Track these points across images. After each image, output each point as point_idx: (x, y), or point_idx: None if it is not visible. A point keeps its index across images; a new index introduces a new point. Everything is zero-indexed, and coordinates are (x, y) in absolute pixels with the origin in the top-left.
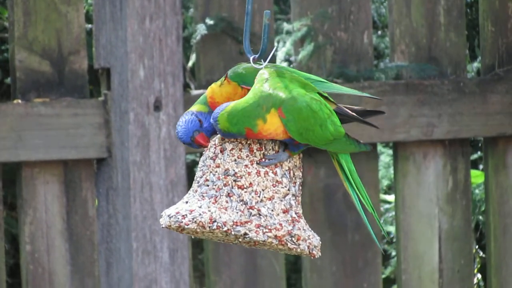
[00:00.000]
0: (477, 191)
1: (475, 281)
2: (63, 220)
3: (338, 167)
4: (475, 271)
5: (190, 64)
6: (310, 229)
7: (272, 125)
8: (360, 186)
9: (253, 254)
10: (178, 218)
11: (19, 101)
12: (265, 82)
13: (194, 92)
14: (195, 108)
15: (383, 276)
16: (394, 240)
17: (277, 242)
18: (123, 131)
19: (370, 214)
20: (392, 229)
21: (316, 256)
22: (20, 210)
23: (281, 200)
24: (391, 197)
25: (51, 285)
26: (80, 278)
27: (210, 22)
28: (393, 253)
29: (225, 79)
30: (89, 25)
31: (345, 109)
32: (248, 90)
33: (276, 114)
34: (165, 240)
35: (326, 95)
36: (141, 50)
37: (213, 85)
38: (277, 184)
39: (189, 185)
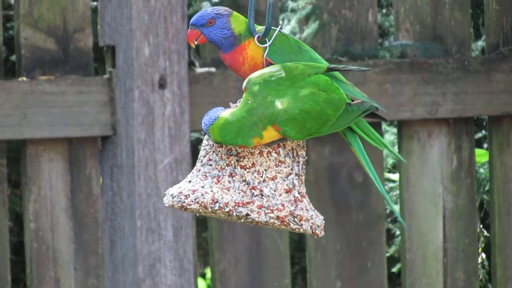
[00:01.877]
0: (481, 170)
1: (479, 260)
2: (67, 198)
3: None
4: (479, 250)
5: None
6: (313, 208)
7: (269, 138)
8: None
9: (257, 232)
10: (181, 198)
11: (24, 78)
12: (257, 96)
13: (199, 70)
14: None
15: (387, 255)
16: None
17: (279, 223)
18: (128, 109)
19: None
20: (396, 208)
21: (320, 236)
22: (24, 188)
23: (284, 180)
24: (395, 176)
25: (55, 263)
26: (84, 256)
27: None
28: (397, 232)
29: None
30: (94, 3)
31: (337, 66)
32: (269, 62)
33: (273, 129)
34: (169, 218)
35: (324, 61)
36: (146, 28)
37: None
38: (280, 164)
39: (194, 162)
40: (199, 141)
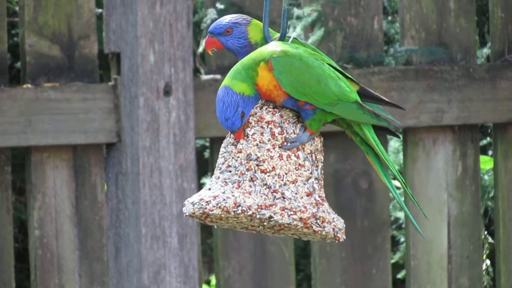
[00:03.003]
0: (486, 177)
1: (484, 267)
2: (72, 205)
3: (361, 144)
4: (484, 257)
5: (200, 49)
6: (334, 212)
7: (264, 79)
8: (388, 160)
9: (262, 239)
10: (202, 205)
11: (29, 85)
12: (272, 43)
13: (204, 77)
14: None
15: (392, 261)
16: (403, 226)
17: (302, 225)
18: (133, 116)
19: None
20: (401, 214)
21: (341, 240)
22: (29, 195)
23: (304, 183)
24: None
25: (60, 270)
26: (89, 263)
27: (220, 6)
28: (402, 239)
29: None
30: (100, 10)
31: (369, 90)
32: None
33: (266, 67)
34: (174, 225)
35: (348, 75)
36: (151, 35)
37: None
38: (299, 167)
39: (199, 170)
40: (204, 148)
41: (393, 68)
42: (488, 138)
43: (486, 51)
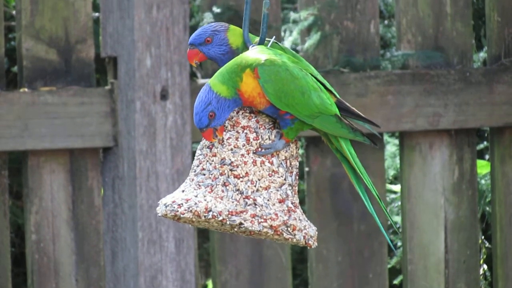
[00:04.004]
0: (483, 181)
1: (481, 271)
2: (69, 209)
3: (336, 152)
4: (481, 261)
5: None
6: (306, 219)
7: (248, 85)
8: (363, 172)
9: (259, 244)
10: (174, 207)
11: (26, 89)
12: (255, 48)
13: (201, 81)
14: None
15: (389, 266)
16: (400, 230)
17: (272, 232)
18: (130, 120)
19: (376, 203)
20: (398, 219)
21: (313, 246)
22: (25, 199)
23: (277, 190)
24: (397, 187)
25: (56, 275)
26: (86, 267)
27: (217, 10)
28: (399, 243)
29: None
30: (96, 14)
31: (346, 103)
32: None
33: (251, 74)
34: (171, 229)
35: (328, 85)
36: (148, 39)
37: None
38: (273, 173)
39: None
40: None
41: (389, 72)
42: (485, 142)
43: (482, 55)
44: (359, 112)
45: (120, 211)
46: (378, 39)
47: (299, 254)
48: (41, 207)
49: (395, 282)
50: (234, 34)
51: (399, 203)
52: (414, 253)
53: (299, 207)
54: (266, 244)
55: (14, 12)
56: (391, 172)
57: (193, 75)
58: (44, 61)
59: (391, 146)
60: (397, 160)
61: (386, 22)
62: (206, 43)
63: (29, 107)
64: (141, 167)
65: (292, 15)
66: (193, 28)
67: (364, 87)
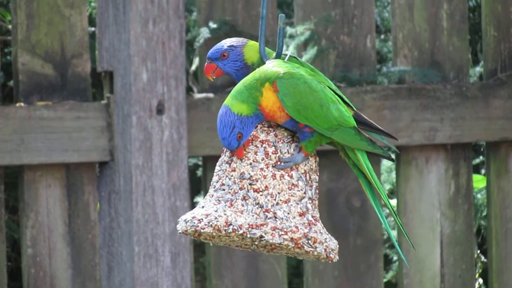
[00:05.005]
0: (479, 195)
1: (477, 286)
2: (65, 223)
3: (354, 167)
4: (477, 275)
5: (193, 67)
6: (327, 232)
7: (268, 100)
8: (380, 187)
9: (255, 258)
10: (194, 223)
11: (22, 104)
12: (272, 62)
13: (197, 95)
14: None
15: (385, 280)
16: (402, 245)
17: (293, 245)
18: (126, 134)
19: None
20: (394, 233)
21: (334, 260)
22: (21, 214)
23: (297, 203)
24: (393, 202)
25: None
26: (82, 282)
27: (213, 25)
28: (395, 258)
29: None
30: (92, 28)
31: (363, 116)
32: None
33: (271, 88)
34: (167, 244)
35: (345, 98)
36: (144, 54)
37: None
38: (293, 187)
39: (192, 188)
40: (197, 167)
41: (386, 87)
42: (481, 157)
43: (479, 69)
44: (377, 125)
45: (116, 225)
46: (375, 53)
47: (295, 268)
48: (37, 222)
49: None
50: (251, 50)
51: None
52: (410, 267)
53: (320, 220)
54: (262, 259)
55: (10, 26)
56: (387, 187)
57: (189, 90)
58: (40, 75)
59: (387, 161)
60: (393, 174)
61: (382, 36)
62: (222, 58)
63: (25, 122)
64: (137, 182)
65: (289, 30)
66: (189, 43)
67: (360, 101)
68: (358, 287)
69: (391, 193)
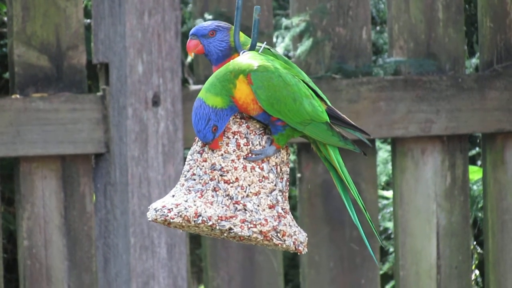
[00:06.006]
0: (475, 187)
1: (473, 277)
2: (61, 215)
3: (325, 160)
4: (473, 267)
5: (188, 59)
6: (296, 225)
7: (242, 92)
8: (350, 182)
9: (251, 250)
10: (164, 212)
11: (18, 96)
12: (247, 54)
13: (193, 87)
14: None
15: (381, 272)
16: (392, 236)
17: (262, 238)
18: (121, 126)
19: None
20: (390, 225)
21: (303, 252)
22: (17, 205)
23: (267, 196)
24: (389, 193)
25: (49, 281)
26: (78, 273)
27: (209, 17)
28: (391, 249)
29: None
30: (88, 20)
31: (336, 111)
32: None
33: (245, 81)
34: (163, 235)
35: (319, 92)
36: (140, 45)
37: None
38: (263, 179)
39: None
40: None
41: (381, 78)
42: (477, 148)
43: (475, 61)
44: (349, 120)
45: (112, 217)
46: (370, 45)
47: (291, 260)
48: (33, 213)
49: (387, 287)
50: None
51: (391, 209)
52: (406, 259)
53: (290, 213)
54: (258, 250)
55: (5, 18)
56: (383, 178)
57: (185, 82)
58: (36, 67)
59: (383, 152)
60: (389, 166)
61: (378, 28)
62: (209, 36)
63: (21, 114)
64: (133, 173)
65: (284, 21)
66: (185, 35)
67: (356, 93)
68: (354, 279)
69: (387, 185)
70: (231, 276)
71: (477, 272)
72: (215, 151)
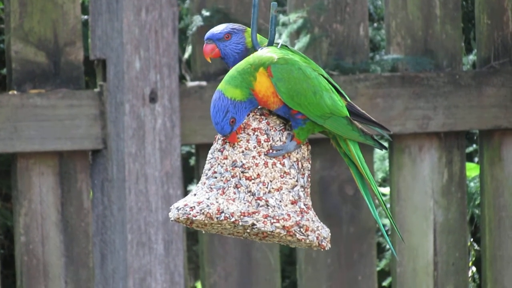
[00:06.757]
0: (472, 184)
1: (470, 274)
2: (58, 211)
3: (344, 156)
4: (470, 264)
5: (186, 55)
6: (319, 220)
7: (262, 84)
8: (371, 177)
9: (248, 246)
10: (186, 210)
11: (15, 92)
12: (266, 48)
13: (190, 83)
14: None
15: (378, 268)
16: (389, 232)
17: (285, 233)
18: (119, 122)
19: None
20: (387, 221)
21: (326, 248)
22: (15, 202)
23: (289, 191)
24: (386, 190)
25: (46, 276)
26: (75, 269)
27: (206, 13)
28: (388, 246)
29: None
30: (85, 16)
31: (356, 106)
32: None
33: (265, 73)
34: (160, 232)
35: (339, 88)
36: (137, 42)
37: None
38: (285, 175)
39: (184, 176)
40: (190, 155)
41: (379, 75)
42: (474, 145)
43: (472, 57)
44: (369, 116)
45: (109, 213)
46: (368, 42)
47: (288, 256)
48: (30, 209)
49: (384, 284)
50: (249, 36)
51: (388, 205)
52: (403, 255)
53: (312, 208)
54: (255, 246)
55: (3, 14)
56: (380, 175)
57: (182, 78)
58: (33, 63)
59: None
60: (386, 162)
61: (375, 25)
62: (224, 39)
63: (18, 110)
64: (130, 170)
65: (282, 18)
66: (182, 31)
67: (353, 89)
68: (351, 275)
69: (384, 181)
70: (228, 273)
71: (474, 268)
72: (235, 148)
